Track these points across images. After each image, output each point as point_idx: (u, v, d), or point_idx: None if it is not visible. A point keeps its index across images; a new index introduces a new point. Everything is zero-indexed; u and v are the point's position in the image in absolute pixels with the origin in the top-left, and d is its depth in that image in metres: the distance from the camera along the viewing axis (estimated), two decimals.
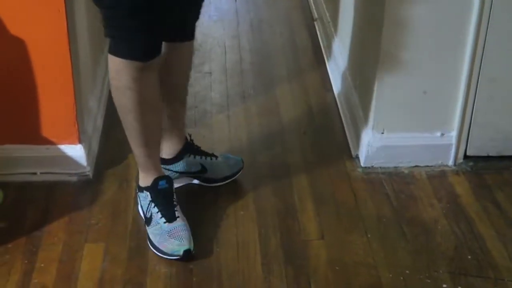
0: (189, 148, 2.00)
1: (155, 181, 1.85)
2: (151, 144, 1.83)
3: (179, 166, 2.00)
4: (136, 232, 1.87)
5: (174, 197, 1.87)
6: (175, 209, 1.84)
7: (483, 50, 1.99)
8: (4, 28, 1.83)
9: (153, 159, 1.86)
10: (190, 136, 2.03)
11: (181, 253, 1.76)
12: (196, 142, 2.04)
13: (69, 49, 1.88)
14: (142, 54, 1.69)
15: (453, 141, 2.12)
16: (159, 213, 1.83)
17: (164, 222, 1.81)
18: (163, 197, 1.84)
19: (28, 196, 1.99)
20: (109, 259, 1.78)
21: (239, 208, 1.96)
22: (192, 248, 1.78)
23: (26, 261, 1.77)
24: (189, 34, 1.87)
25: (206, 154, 2.02)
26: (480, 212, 1.97)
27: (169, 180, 1.88)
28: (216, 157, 2.03)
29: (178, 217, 1.82)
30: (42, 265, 1.76)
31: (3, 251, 1.79)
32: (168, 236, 1.79)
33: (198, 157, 2.01)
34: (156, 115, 1.81)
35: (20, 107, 1.96)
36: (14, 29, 1.84)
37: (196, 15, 1.85)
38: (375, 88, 2.05)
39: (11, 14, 1.82)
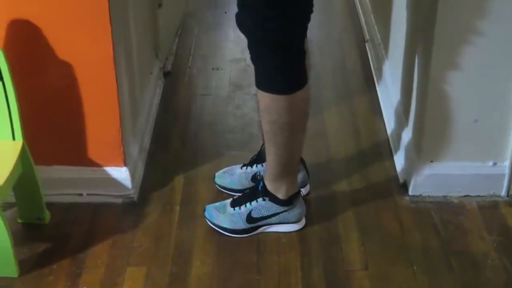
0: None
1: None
2: None
3: None
4: (178, 257, 1.86)
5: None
6: None
7: None
8: (53, 52, 1.86)
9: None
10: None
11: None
12: None
13: (115, 71, 1.90)
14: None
15: (506, 170, 2.05)
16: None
17: None
18: None
19: (74, 217, 2.01)
20: (150, 283, 1.78)
21: (281, 235, 1.93)
22: None
23: (69, 283, 1.78)
24: None
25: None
26: None
27: None
28: None
29: None
30: (85, 287, 1.77)
31: (47, 272, 1.81)
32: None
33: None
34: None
35: (67, 130, 1.99)
36: (62, 53, 1.86)
37: None
38: (425, 115, 2.00)
39: (58, 38, 1.85)
